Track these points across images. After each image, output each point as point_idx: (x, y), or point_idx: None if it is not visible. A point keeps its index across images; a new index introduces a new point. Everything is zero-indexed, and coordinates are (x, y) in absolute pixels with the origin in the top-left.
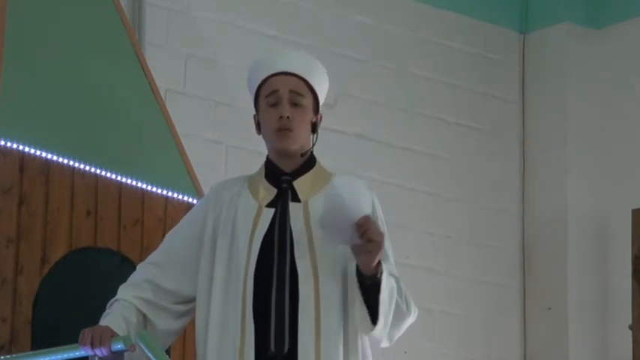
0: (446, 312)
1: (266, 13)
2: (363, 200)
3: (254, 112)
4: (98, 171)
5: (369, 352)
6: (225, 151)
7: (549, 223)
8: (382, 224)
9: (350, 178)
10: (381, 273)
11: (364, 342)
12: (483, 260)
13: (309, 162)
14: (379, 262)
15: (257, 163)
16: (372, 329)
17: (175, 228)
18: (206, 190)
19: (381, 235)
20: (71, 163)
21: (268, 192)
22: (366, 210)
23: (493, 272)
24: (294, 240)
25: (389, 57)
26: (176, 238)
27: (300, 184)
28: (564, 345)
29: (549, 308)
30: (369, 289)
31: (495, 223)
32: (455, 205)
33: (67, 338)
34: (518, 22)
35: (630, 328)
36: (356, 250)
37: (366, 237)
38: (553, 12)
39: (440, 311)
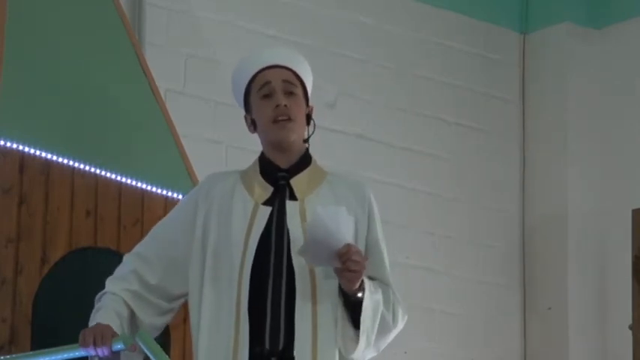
0: (446, 312)
1: (266, 13)
2: (345, 228)
3: (244, 114)
4: (98, 171)
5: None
6: (225, 151)
7: (549, 224)
8: (377, 224)
9: (345, 179)
10: (363, 291)
11: None
12: (483, 260)
13: (304, 159)
14: (362, 281)
15: None
16: (353, 351)
17: (164, 220)
18: None
19: (361, 264)
20: (71, 163)
21: (264, 189)
22: (348, 238)
23: (493, 272)
24: (291, 238)
25: (389, 57)
26: (165, 232)
27: (296, 182)
28: (564, 345)
29: (549, 308)
30: (353, 304)
31: (495, 223)
32: (455, 205)
33: (67, 338)
34: (518, 22)
35: (630, 328)
36: (337, 272)
37: (345, 266)
38: (553, 12)
39: (440, 311)
